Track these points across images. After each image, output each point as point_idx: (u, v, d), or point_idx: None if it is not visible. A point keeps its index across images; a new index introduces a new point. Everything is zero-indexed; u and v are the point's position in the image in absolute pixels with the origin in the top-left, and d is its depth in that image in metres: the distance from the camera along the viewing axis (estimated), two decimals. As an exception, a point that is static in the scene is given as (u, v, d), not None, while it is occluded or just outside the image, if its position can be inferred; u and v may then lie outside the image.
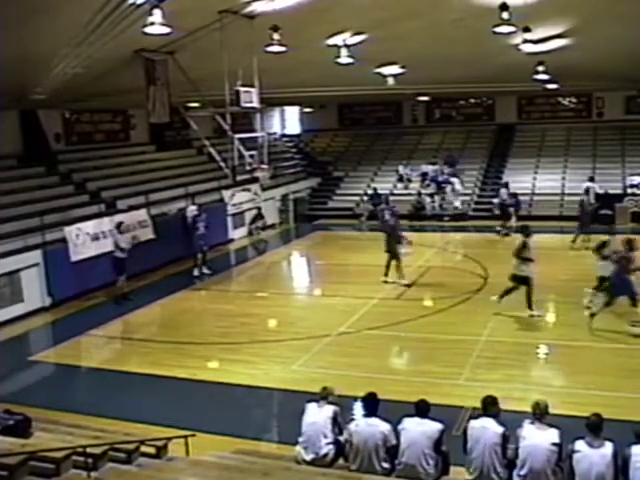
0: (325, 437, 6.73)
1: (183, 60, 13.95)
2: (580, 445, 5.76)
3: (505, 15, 11.19)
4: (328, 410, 6.82)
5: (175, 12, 9.56)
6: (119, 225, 16.10)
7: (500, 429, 6.11)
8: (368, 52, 14.81)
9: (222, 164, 17.02)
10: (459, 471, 6.50)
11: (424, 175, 27.38)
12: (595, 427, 5.81)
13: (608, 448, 5.69)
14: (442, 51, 15.38)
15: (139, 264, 16.76)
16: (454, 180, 26.49)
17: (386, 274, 16.09)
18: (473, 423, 6.28)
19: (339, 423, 6.83)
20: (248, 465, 6.72)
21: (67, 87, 14.34)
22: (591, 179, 23.96)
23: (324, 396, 6.95)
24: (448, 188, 26.24)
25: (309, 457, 6.74)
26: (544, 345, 11.77)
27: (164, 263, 18.52)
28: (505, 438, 6.09)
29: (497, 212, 24.11)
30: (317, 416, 6.82)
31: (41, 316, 15.03)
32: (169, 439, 7.47)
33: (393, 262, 16.02)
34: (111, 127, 22.76)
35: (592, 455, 5.67)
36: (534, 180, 26.37)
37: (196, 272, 18.00)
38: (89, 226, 16.71)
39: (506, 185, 24.47)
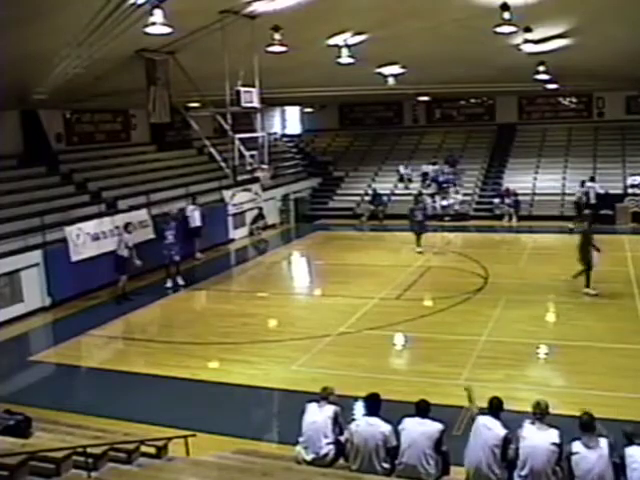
0: (325, 437, 6.72)
1: (184, 60, 13.96)
2: (577, 447, 5.77)
3: (506, 15, 11.19)
4: (328, 410, 6.82)
5: (176, 12, 9.56)
6: (127, 225, 16.17)
7: (503, 432, 6.11)
8: (369, 52, 14.80)
9: (223, 164, 17.03)
10: (459, 471, 6.50)
11: (425, 175, 27.42)
12: (588, 426, 5.84)
13: (604, 446, 5.72)
14: (443, 51, 15.38)
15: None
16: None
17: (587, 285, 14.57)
18: (479, 419, 6.30)
19: (340, 423, 6.83)
20: (248, 465, 6.73)
21: (68, 87, 14.34)
22: (592, 179, 23.96)
23: (324, 396, 6.95)
24: (451, 189, 26.30)
25: (309, 457, 6.74)
26: (544, 345, 11.76)
27: (164, 263, 18.47)
28: (506, 441, 6.09)
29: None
30: (317, 416, 6.82)
31: (41, 316, 15.03)
32: (169, 439, 7.47)
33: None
34: (112, 127, 22.74)
35: (590, 456, 5.69)
36: (535, 180, 26.37)
37: (169, 283, 16.92)
38: (90, 226, 16.71)
39: (582, 183, 23.52)
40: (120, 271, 15.77)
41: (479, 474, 6.10)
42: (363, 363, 11.14)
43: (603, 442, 5.75)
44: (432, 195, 26.22)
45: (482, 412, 6.41)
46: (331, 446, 6.72)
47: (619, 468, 5.68)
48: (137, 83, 14.13)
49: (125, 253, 15.76)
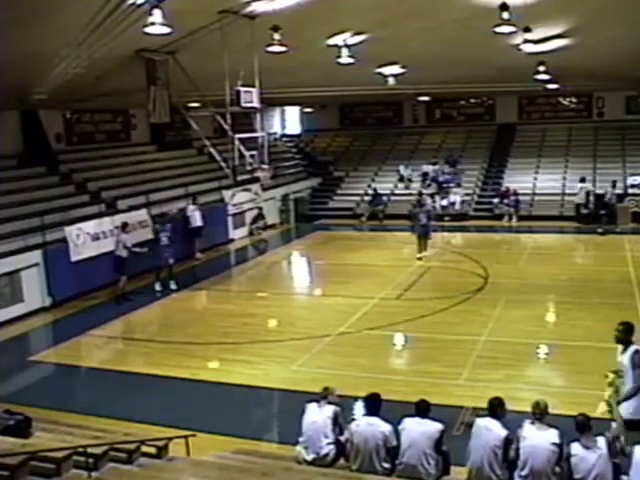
0: (326, 437, 6.73)
1: (184, 60, 13.96)
2: (576, 448, 5.77)
3: (505, 15, 11.19)
4: (328, 410, 6.82)
5: (175, 12, 9.56)
6: (125, 226, 16.15)
7: (504, 432, 6.10)
8: (369, 52, 14.79)
9: (222, 164, 17.02)
10: (460, 471, 6.50)
11: (425, 175, 27.42)
12: (585, 426, 5.84)
13: (603, 446, 5.72)
14: (443, 51, 15.37)
15: (139, 264, 16.72)
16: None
17: None
18: (479, 421, 6.29)
19: (340, 423, 6.83)
20: (248, 465, 6.73)
21: (68, 87, 14.33)
22: (582, 180, 23.93)
23: (324, 396, 6.95)
24: (453, 189, 26.32)
25: (310, 457, 6.75)
26: (544, 345, 11.76)
27: (158, 265, 18.37)
28: (507, 442, 6.07)
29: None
30: (317, 416, 6.82)
31: (41, 316, 15.02)
32: (170, 439, 7.47)
33: None
34: (112, 127, 22.74)
35: (589, 457, 5.69)
36: (535, 180, 26.37)
37: (157, 286, 16.55)
38: (89, 226, 16.71)
39: (614, 184, 23.34)
40: (120, 271, 15.77)
41: (480, 474, 6.10)
42: (363, 363, 11.14)
43: (601, 441, 5.75)
44: (432, 195, 26.21)
45: (481, 414, 6.39)
46: (331, 446, 6.72)
47: (619, 468, 5.67)
48: (137, 83, 14.13)
49: (124, 253, 15.74)
